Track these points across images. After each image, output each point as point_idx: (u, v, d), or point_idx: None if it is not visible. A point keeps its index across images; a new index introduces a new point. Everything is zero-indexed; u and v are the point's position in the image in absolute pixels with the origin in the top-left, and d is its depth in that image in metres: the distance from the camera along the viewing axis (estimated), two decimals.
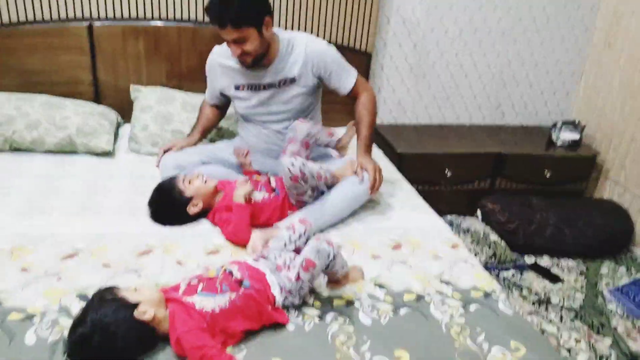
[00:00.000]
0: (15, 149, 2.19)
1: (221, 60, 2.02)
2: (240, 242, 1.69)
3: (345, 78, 2.02)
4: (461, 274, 1.64)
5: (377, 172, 1.93)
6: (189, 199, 1.77)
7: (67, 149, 2.20)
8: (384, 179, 1.99)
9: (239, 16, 1.73)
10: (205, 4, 2.44)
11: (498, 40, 2.98)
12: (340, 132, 2.11)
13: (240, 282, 1.35)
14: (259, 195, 1.82)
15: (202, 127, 2.16)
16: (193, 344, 1.20)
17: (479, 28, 2.93)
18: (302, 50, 1.95)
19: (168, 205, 1.78)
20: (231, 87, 2.02)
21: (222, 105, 2.19)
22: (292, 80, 1.97)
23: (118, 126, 2.49)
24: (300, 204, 1.85)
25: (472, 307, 1.48)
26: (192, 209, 1.77)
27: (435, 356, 1.29)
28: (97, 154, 2.25)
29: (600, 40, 3.02)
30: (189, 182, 1.78)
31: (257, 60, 1.88)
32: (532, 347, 1.33)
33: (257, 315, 1.32)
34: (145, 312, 1.20)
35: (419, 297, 1.51)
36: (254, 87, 1.99)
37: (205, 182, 1.80)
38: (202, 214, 1.81)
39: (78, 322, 1.17)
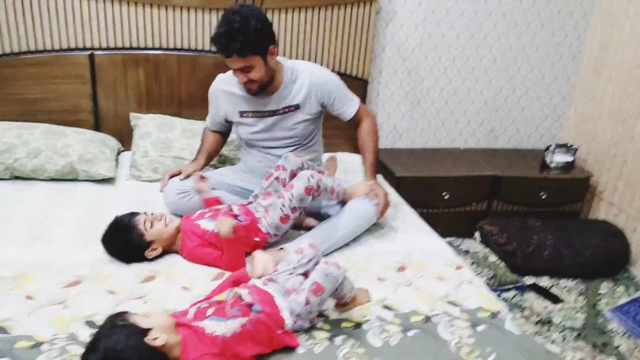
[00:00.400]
0: (16, 177, 2.19)
1: (225, 88, 2.05)
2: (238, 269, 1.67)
3: (348, 105, 2.08)
4: (467, 295, 1.65)
5: (385, 197, 1.98)
6: (149, 243, 1.70)
7: (68, 177, 2.20)
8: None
9: (244, 46, 1.76)
10: (210, 33, 2.52)
11: (490, 67, 3.06)
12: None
13: (250, 306, 1.35)
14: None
15: (206, 152, 2.17)
16: None
17: (471, 56, 3.01)
18: (307, 78, 2.00)
19: (124, 245, 1.69)
20: (235, 113, 2.05)
21: (224, 131, 2.22)
22: (296, 107, 2.01)
23: (118, 153, 2.50)
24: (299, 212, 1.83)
25: (480, 328, 1.49)
26: (150, 254, 1.70)
27: None
28: (98, 181, 2.25)
29: (589, 67, 3.11)
30: (151, 225, 1.70)
31: (263, 87, 1.92)
32: None
33: (268, 340, 1.32)
34: (157, 338, 1.19)
35: (427, 319, 1.51)
36: (259, 114, 2.02)
37: (167, 225, 1.73)
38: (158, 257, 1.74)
39: (90, 349, 1.16)
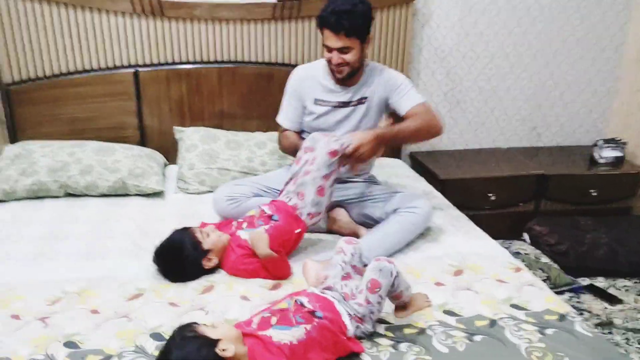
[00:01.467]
0: (69, 194, 2.24)
1: (309, 74, 2.07)
2: (284, 276, 1.70)
3: (409, 96, 2.01)
4: (531, 297, 1.60)
5: (361, 146, 1.81)
6: (206, 252, 1.68)
7: (119, 192, 2.24)
8: (433, 208, 2.00)
9: (353, 26, 1.84)
10: (249, 43, 2.56)
11: (530, 63, 2.99)
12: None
13: (312, 313, 1.34)
14: (259, 230, 1.74)
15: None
16: None
17: (510, 53, 2.95)
18: (379, 72, 2.04)
19: (180, 258, 1.65)
20: (312, 100, 2.05)
21: (298, 132, 2.14)
22: (364, 100, 2.03)
23: (164, 167, 2.53)
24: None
25: (549, 331, 1.44)
26: (207, 264, 1.68)
27: None
28: (148, 195, 2.28)
29: (632, 57, 3.02)
30: (207, 235, 1.70)
31: (352, 74, 1.96)
32: None
33: (333, 346, 1.31)
34: (226, 350, 1.19)
35: (492, 323, 1.47)
36: (332, 104, 2.03)
37: (220, 236, 1.72)
38: (210, 271, 1.71)
39: (160, 358, 1.17)
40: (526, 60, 2.99)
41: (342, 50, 1.89)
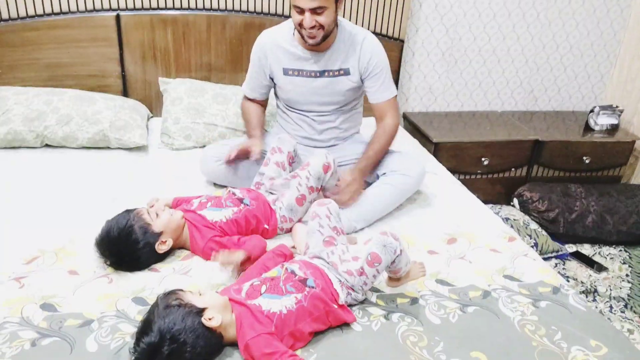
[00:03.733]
0: (47, 145, 2.12)
1: (273, 40, 1.90)
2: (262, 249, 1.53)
3: (383, 88, 1.90)
4: (524, 268, 1.57)
5: (351, 189, 1.75)
6: (158, 235, 1.47)
7: (100, 145, 2.13)
8: (426, 172, 1.94)
9: None
10: None
11: (533, 23, 2.88)
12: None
13: (304, 281, 1.29)
14: (228, 212, 1.60)
15: (260, 126, 1.99)
16: (263, 350, 1.14)
17: (513, 12, 2.83)
18: (360, 42, 1.86)
19: (128, 245, 1.42)
20: (279, 71, 1.91)
21: (264, 100, 2.07)
22: (346, 72, 1.89)
23: (147, 120, 2.42)
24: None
25: (543, 304, 1.42)
26: (162, 247, 1.47)
27: (515, 357, 1.23)
28: (130, 149, 2.18)
29: (636, 23, 2.92)
30: (156, 215, 1.50)
31: (325, 37, 1.77)
32: (613, 346, 1.27)
33: (325, 316, 1.27)
34: (212, 319, 1.14)
35: (486, 294, 1.45)
36: (304, 73, 1.89)
37: (172, 215, 1.53)
38: (166, 255, 1.51)
39: (144, 330, 1.11)
40: (529, 20, 2.87)
41: (316, 11, 1.68)
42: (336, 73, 1.88)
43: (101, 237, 1.44)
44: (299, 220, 1.72)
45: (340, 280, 1.33)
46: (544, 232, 2.55)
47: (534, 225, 2.57)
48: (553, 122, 3.00)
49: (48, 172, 1.95)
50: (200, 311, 1.15)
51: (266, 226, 1.65)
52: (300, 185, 1.69)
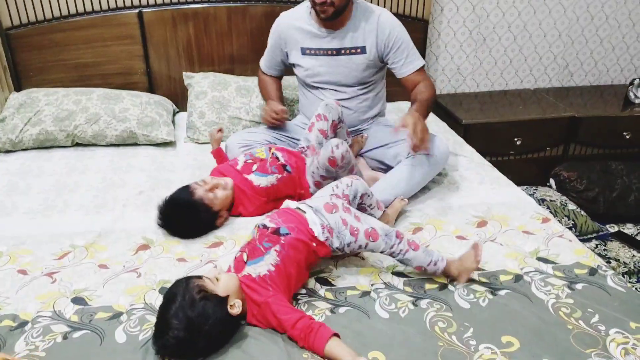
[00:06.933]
0: (77, 144, 2.17)
1: (291, 21, 1.95)
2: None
3: (411, 59, 1.89)
4: (559, 250, 1.51)
5: (418, 128, 1.64)
6: (217, 213, 1.61)
7: (128, 141, 2.17)
8: (451, 153, 1.93)
9: None
10: None
11: None
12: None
13: (277, 231, 1.32)
14: (272, 179, 1.68)
15: (277, 94, 2.10)
16: (277, 316, 1.17)
17: None
18: (375, 19, 1.85)
19: (193, 223, 1.58)
20: (297, 51, 1.94)
21: (279, 76, 2.16)
22: (362, 50, 1.86)
23: (174, 115, 2.44)
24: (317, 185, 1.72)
25: (579, 286, 1.36)
26: (221, 222, 1.64)
27: (549, 341, 1.18)
28: (157, 144, 2.20)
29: None
30: (213, 193, 1.61)
31: (338, 13, 1.79)
32: None
33: (307, 254, 1.31)
34: (234, 305, 1.17)
35: (518, 277, 1.39)
36: (321, 52, 1.90)
37: (225, 190, 1.65)
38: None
39: (168, 322, 1.10)
40: None
41: None
42: (352, 51, 1.87)
43: (165, 213, 1.57)
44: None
45: (322, 223, 1.34)
46: (583, 213, 2.44)
47: (572, 206, 2.46)
48: (590, 98, 2.86)
49: (78, 170, 2.00)
50: (224, 300, 1.15)
51: (302, 192, 1.72)
52: (314, 173, 1.70)
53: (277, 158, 1.72)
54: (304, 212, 1.37)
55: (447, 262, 1.36)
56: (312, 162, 1.72)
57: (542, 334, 1.20)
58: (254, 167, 1.70)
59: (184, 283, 1.17)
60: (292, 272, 1.27)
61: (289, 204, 1.43)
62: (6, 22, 2.27)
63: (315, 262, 1.38)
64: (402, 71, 1.90)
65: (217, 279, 1.21)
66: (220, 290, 1.17)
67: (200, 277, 1.20)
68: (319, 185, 1.68)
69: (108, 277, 1.40)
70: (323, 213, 1.36)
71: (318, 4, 1.76)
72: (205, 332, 1.09)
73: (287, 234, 1.30)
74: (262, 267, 1.24)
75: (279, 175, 1.69)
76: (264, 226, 1.33)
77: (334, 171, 1.65)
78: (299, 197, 1.69)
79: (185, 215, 1.57)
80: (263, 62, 2.14)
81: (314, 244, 1.32)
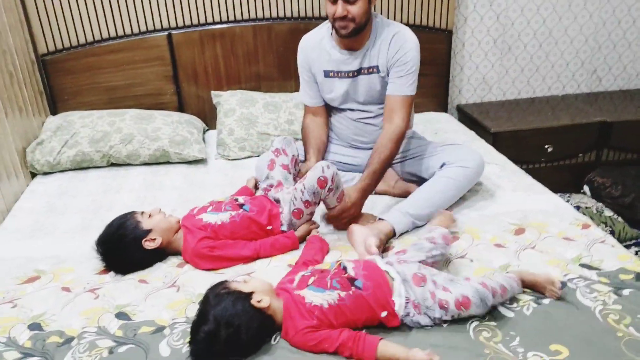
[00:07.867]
0: (112, 164, 2.22)
1: (313, 44, 1.91)
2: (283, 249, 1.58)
3: (403, 82, 1.80)
4: (602, 256, 1.47)
5: (345, 215, 1.66)
6: (147, 232, 1.52)
7: (161, 160, 2.21)
8: (487, 163, 1.88)
9: None
10: None
11: (589, 0, 2.73)
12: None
13: (352, 280, 1.25)
14: (224, 216, 1.59)
15: (316, 149, 1.93)
16: (309, 344, 1.17)
17: None
18: (391, 36, 1.81)
19: (118, 241, 1.50)
20: (321, 72, 1.92)
21: (325, 106, 2.01)
22: (377, 69, 1.85)
23: (204, 132, 2.48)
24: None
25: (626, 292, 1.32)
26: (148, 244, 1.51)
27: (599, 348, 1.15)
28: (189, 162, 2.24)
29: None
30: (149, 216, 1.57)
31: (357, 31, 1.75)
32: None
33: (366, 318, 1.23)
34: (261, 300, 1.18)
35: (562, 285, 1.36)
36: (341, 74, 1.89)
37: (166, 217, 1.59)
38: (158, 257, 1.56)
39: (200, 321, 1.15)
40: None
41: (349, 1, 1.68)
42: (370, 70, 1.86)
43: (98, 238, 1.52)
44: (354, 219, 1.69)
45: (407, 297, 1.24)
46: (620, 219, 2.39)
47: (608, 212, 2.42)
48: (621, 102, 2.82)
49: (113, 189, 2.04)
50: (248, 295, 1.18)
51: (269, 227, 1.62)
52: (296, 199, 1.60)
53: (235, 199, 1.68)
54: (393, 279, 1.27)
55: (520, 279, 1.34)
56: (291, 191, 1.64)
57: (592, 341, 1.17)
58: (209, 208, 1.64)
59: (212, 286, 1.23)
60: (341, 322, 1.20)
61: (377, 261, 1.33)
62: (42, 48, 2.35)
63: (371, 325, 1.25)
64: (389, 88, 1.83)
65: (245, 282, 1.25)
66: (244, 288, 1.21)
67: (226, 280, 1.25)
68: (297, 216, 1.62)
69: (148, 292, 1.42)
70: (411, 285, 1.26)
71: (338, 19, 1.72)
72: (232, 323, 1.12)
73: (359, 288, 1.23)
74: (319, 298, 1.20)
75: (233, 213, 1.61)
76: (344, 269, 1.29)
77: (320, 193, 1.58)
78: (265, 235, 1.61)
79: (108, 230, 1.55)
80: (305, 96, 2.00)
81: (384, 314, 1.22)
